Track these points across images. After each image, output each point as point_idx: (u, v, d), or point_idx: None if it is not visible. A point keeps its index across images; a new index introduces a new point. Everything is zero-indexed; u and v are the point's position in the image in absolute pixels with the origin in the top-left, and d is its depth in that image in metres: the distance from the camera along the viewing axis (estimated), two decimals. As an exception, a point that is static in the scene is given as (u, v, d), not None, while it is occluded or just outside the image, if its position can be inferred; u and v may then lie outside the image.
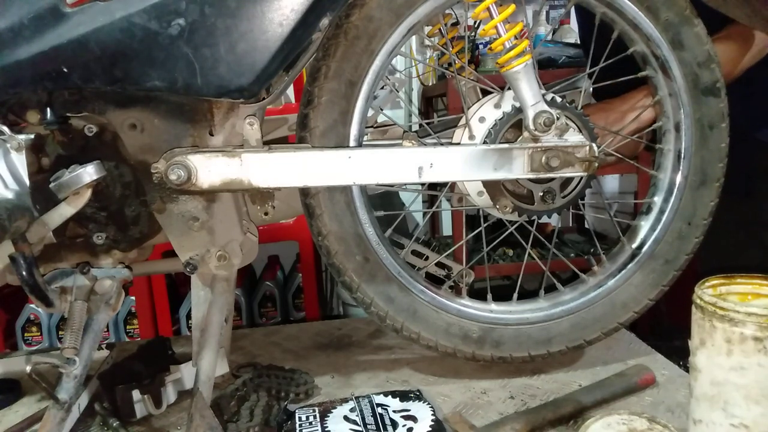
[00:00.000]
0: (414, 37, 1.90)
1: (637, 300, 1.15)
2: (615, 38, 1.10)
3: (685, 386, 0.89)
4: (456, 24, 1.19)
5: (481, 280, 1.28)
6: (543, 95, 1.02)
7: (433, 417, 0.96)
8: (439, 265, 1.25)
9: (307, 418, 0.98)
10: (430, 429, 0.93)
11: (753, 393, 0.74)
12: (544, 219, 1.20)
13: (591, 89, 1.14)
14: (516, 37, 1.01)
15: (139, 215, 1.03)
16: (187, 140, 0.97)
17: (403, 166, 1.00)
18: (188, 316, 2.27)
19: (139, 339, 2.22)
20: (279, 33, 0.89)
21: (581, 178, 1.07)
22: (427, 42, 1.26)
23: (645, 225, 1.16)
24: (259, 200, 1.06)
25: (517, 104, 1.03)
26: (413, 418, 0.96)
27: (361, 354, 1.35)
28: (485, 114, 1.08)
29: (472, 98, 1.17)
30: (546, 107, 1.01)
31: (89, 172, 0.90)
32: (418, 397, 1.04)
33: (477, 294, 1.17)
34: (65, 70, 0.87)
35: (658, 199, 1.15)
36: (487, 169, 1.01)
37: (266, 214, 1.07)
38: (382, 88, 1.26)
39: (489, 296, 1.16)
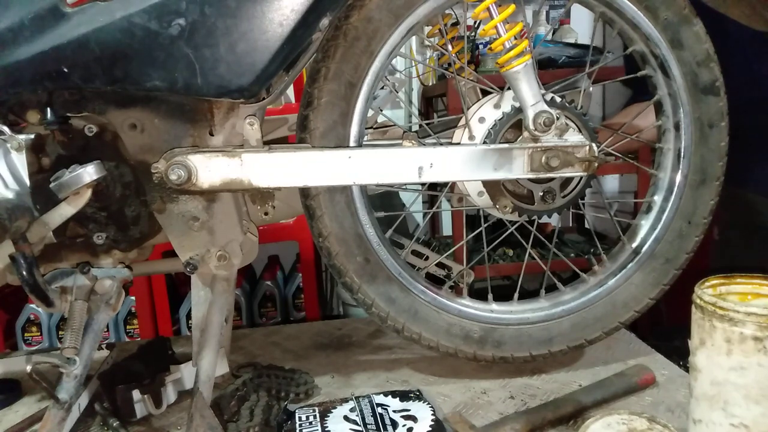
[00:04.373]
0: (414, 38, 1.90)
1: (637, 299, 1.15)
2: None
3: (685, 386, 0.89)
4: (456, 24, 1.19)
5: (482, 280, 1.28)
6: (543, 95, 1.02)
7: (433, 417, 0.96)
8: (440, 265, 1.25)
9: (307, 418, 0.98)
10: (430, 429, 0.93)
11: (753, 393, 0.74)
12: (544, 219, 1.20)
13: (591, 89, 1.14)
14: (516, 37, 1.01)
15: (139, 215, 1.03)
16: (187, 140, 0.97)
17: (403, 166, 1.00)
18: (188, 316, 2.26)
19: (139, 339, 2.22)
20: (279, 33, 0.89)
21: (581, 177, 1.07)
22: (426, 42, 1.26)
23: (645, 224, 1.16)
24: (259, 200, 1.06)
25: (517, 104, 1.03)
26: (413, 418, 0.96)
27: (361, 354, 1.35)
28: (485, 114, 1.08)
29: (471, 98, 1.17)
30: (546, 107, 1.01)
31: (89, 172, 0.90)
32: (418, 397, 1.04)
33: (477, 294, 1.17)
34: (65, 70, 0.88)
35: (658, 198, 1.15)
36: (487, 169, 1.02)
37: (266, 214, 1.07)
38: (382, 88, 1.26)
39: (490, 296, 1.16)
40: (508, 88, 1.05)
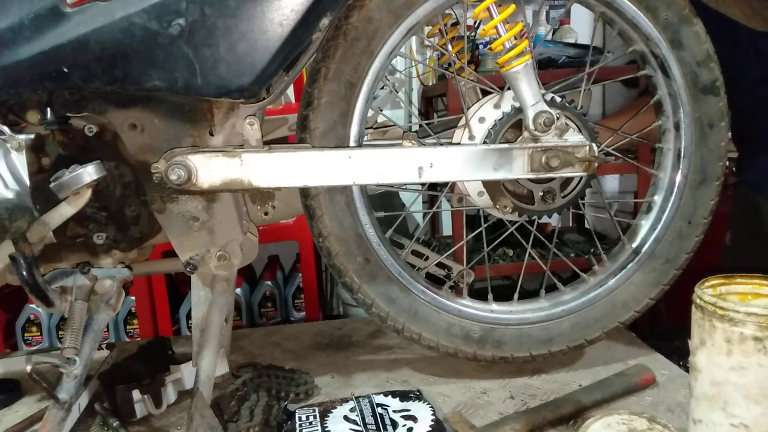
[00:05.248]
0: (414, 38, 1.90)
1: (637, 299, 1.15)
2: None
3: (685, 386, 0.89)
4: (456, 24, 1.19)
5: (482, 280, 1.28)
6: (543, 95, 1.02)
7: (433, 417, 0.96)
8: (440, 265, 1.25)
9: (307, 418, 0.98)
10: (430, 429, 0.93)
11: (753, 393, 0.74)
12: (544, 219, 1.20)
13: (591, 89, 1.14)
14: (516, 37, 1.01)
15: (139, 215, 1.03)
16: (187, 140, 0.97)
17: (403, 166, 1.00)
18: (188, 316, 2.26)
19: (139, 339, 2.22)
20: (279, 33, 0.89)
21: (581, 177, 1.07)
22: (426, 42, 1.26)
23: (645, 224, 1.16)
24: (259, 200, 1.06)
25: (517, 104, 1.03)
26: (413, 418, 0.96)
27: (361, 354, 1.35)
28: (485, 114, 1.08)
29: (471, 98, 1.17)
30: (546, 107, 1.01)
31: (89, 172, 0.90)
32: (418, 397, 1.04)
33: (477, 294, 1.17)
34: (65, 70, 0.88)
35: (658, 198, 1.15)
36: (487, 169, 1.02)
37: (266, 214, 1.07)
38: (382, 88, 1.26)
39: (490, 296, 1.16)
40: (508, 88, 1.05)
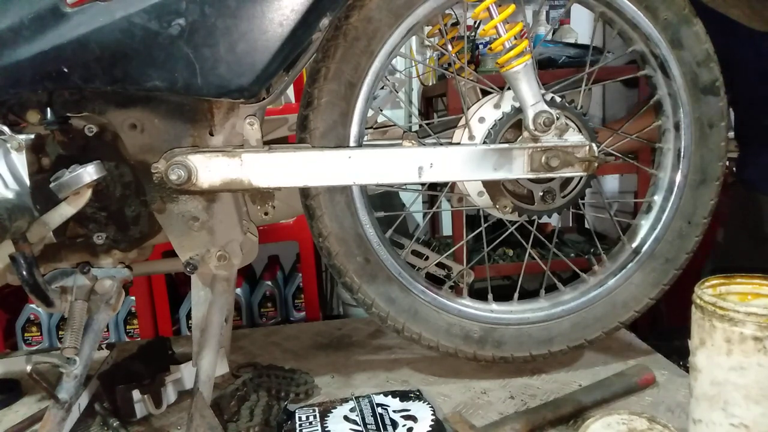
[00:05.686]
0: (414, 38, 1.90)
1: (637, 299, 1.15)
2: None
3: (685, 386, 0.89)
4: (456, 24, 1.19)
5: (482, 280, 1.28)
6: (543, 95, 1.02)
7: (433, 417, 0.96)
8: (440, 265, 1.25)
9: (307, 418, 0.98)
10: (430, 429, 0.93)
11: (753, 393, 0.74)
12: (544, 219, 1.19)
13: (591, 89, 1.14)
14: (516, 37, 1.01)
15: (139, 215, 1.03)
16: (187, 140, 0.97)
17: (403, 166, 1.00)
18: (188, 316, 2.26)
19: (139, 339, 2.22)
20: (279, 33, 0.89)
21: (581, 177, 1.07)
22: (426, 42, 1.26)
23: (645, 224, 1.16)
24: (259, 200, 1.06)
25: (517, 104, 1.04)
26: (413, 418, 0.96)
27: (361, 354, 1.35)
28: (485, 114, 1.08)
29: (471, 98, 1.17)
30: (546, 107, 1.01)
31: (89, 172, 0.90)
32: (418, 397, 1.04)
33: (477, 294, 1.17)
34: (65, 70, 0.88)
35: (658, 198, 1.15)
36: (487, 169, 1.02)
37: (266, 214, 1.07)
38: (382, 88, 1.26)
39: (490, 296, 1.16)
40: (508, 88, 1.05)
